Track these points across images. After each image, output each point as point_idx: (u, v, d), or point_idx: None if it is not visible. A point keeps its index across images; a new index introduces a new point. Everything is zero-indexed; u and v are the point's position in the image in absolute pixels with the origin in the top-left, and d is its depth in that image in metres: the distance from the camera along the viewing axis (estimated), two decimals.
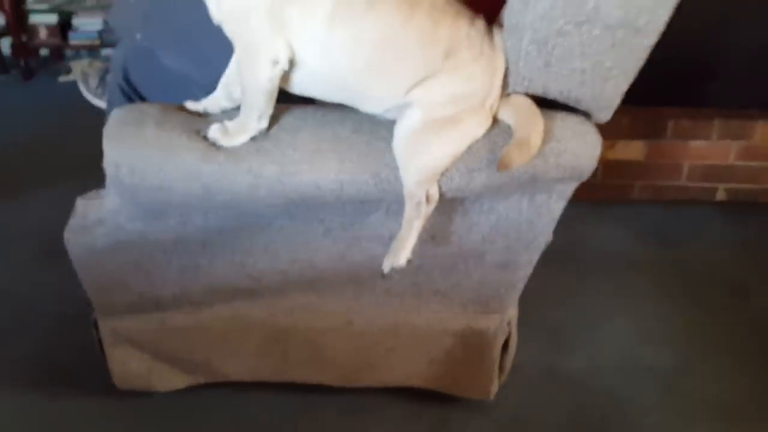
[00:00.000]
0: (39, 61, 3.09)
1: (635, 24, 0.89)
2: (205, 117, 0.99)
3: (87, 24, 2.95)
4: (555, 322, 1.61)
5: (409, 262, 1.00)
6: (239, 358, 1.27)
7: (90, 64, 2.43)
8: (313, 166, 0.94)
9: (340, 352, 1.26)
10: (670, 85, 1.99)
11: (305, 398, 1.36)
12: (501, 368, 1.31)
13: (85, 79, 2.33)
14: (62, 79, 2.95)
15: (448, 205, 1.05)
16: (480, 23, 0.94)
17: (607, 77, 0.94)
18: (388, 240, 1.05)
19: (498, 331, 1.23)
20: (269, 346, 1.25)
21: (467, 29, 0.91)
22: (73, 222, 1.08)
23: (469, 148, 0.95)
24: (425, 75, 0.91)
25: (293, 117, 0.97)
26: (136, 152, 0.92)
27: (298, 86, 0.95)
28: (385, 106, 0.95)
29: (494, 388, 1.32)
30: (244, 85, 0.93)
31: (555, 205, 1.07)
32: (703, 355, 1.54)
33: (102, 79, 2.26)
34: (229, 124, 0.94)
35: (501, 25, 0.94)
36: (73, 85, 2.87)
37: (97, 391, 1.34)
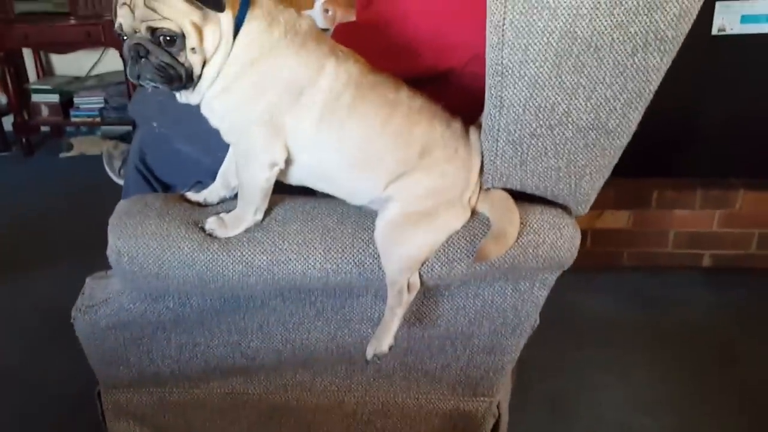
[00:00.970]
0: (40, 137, 3.20)
1: (606, 126, 0.94)
2: (204, 207, 1.06)
3: (88, 102, 3.05)
4: (551, 391, 1.62)
5: (391, 348, 1.03)
6: None
7: (115, 146, 2.55)
8: (301, 256, 0.99)
9: (333, 431, 1.28)
10: (654, 156, 2.06)
11: None
12: None
13: (109, 160, 2.46)
14: (63, 155, 3.04)
15: (435, 290, 1.09)
16: (456, 125, 1.01)
17: (582, 174, 0.99)
18: (377, 322, 1.09)
19: (487, 414, 1.24)
20: (264, 422, 1.28)
21: (442, 130, 0.99)
22: (81, 301, 1.15)
23: (449, 239, 1.00)
24: (402, 171, 0.97)
25: (284, 209, 1.04)
26: (137, 242, 0.99)
27: (291, 178, 1.02)
28: (367, 199, 1.01)
29: None
30: (243, 184, 1.00)
31: (538, 292, 1.10)
32: (695, 422, 1.54)
33: (125, 161, 2.40)
34: (225, 216, 1.01)
35: (479, 126, 1.00)
36: (74, 161, 3.00)
37: None
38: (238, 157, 1.00)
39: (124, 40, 0.90)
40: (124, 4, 0.87)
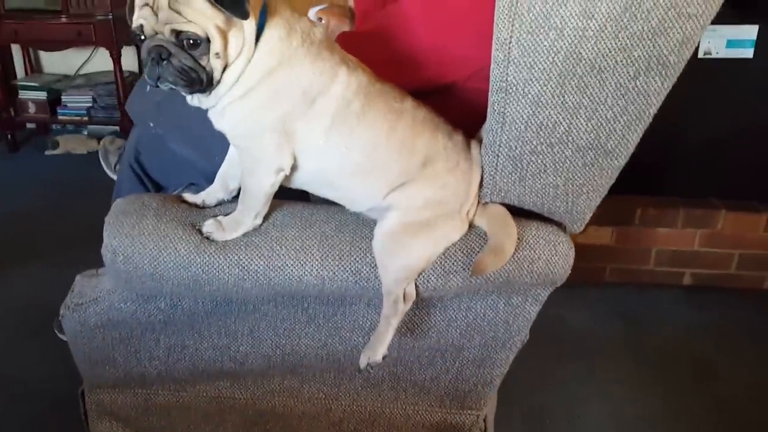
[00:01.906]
0: (26, 134, 3.16)
1: (605, 147, 0.96)
2: (202, 209, 1.06)
3: (76, 101, 3.03)
4: (533, 406, 1.63)
5: (385, 357, 1.03)
6: None
7: (111, 141, 2.53)
8: (298, 262, 0.99)
9: None
10: (638, 174, 2.08)
11: None
12: None
13: (105, 154, 2.44)
14: (48, 152, 3.01)
15: (428, 301, 1.09)
16: (458, 137, 1.02)
17: (579, 193, 1.00)
18: (369, 331, 1.10)
19: (474, 428, 1.25)
20: (249, 428, 1.27)
21: (444, 142, 0.99)
22: (70, 299, 1.14)
23: (446, 251, 1.00)
24: (404, 180, 0.98)
25: (282, 214, 1.04)
26: (133, 241, 0.98)
27: (293, 183, 1.02)
28: (367, 206, 1.02)
29: None
30: (247, 189, 1.00)
31: (530, 308, 1.11)
32: None
33: (120, 157, 2.37)
34: (224, 219, 1.01)
35: (480, 140, 1.01)
36: (59, 159, 2.96)
37: None
38: (245, 162, 0.99)
39: (141, 40, 0.88)
40: (146, 5, 0.86)
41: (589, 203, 1.03)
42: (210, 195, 1.08)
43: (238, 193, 1.04)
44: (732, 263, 2.14)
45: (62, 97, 3.05)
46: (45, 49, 3.16)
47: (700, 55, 1.93)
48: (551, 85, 0.89)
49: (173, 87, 0.89)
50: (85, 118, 3.04)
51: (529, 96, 0.90)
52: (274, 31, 0.90)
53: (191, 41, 0.86)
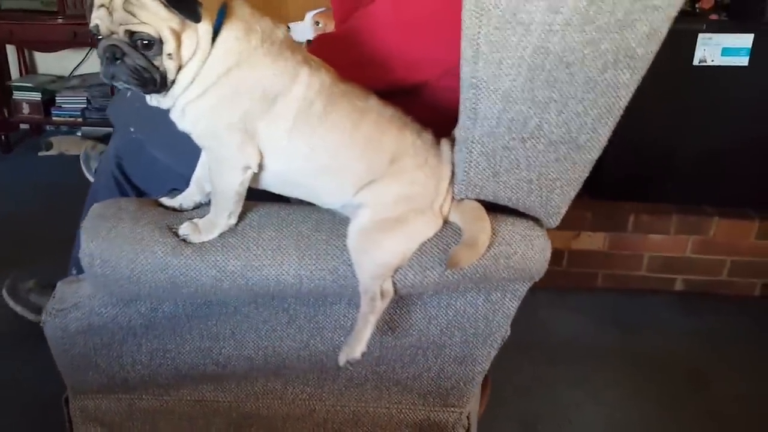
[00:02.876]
0: (19, 135, 3.16)
1: (577, 141, 0.96)
2: (179, 213, 1.06)
3: (70, 102, 3.03)
4: (525, 411, 1.63)
5: (363, 354, 1.04)
6: None
7: (93, 146, 2.53)
8: (275, 262, 1.00)
9: None
10: (632, 181, 2.12)
11: None
12: None
13: (87, 160, 2.44)
14: (42, 154, 3.01)
15: (408, 299, 1.10)
16: (427, 136, 1.03)
17: (553, 187, 1.01)
18: (351, 330, 1.09)
19: (457, 425, 1.25)
20: (233, 431, 1.27)
21: (413, 140, 1.01)
22: (51, 304, 1.14)
23: (422, 247, 1.01)
24: (372, 178, 0.99)
25: (259, 215, 1.04)
26: (110, 245, 0.98)
27: (261, 183, 1.03)
28: (337, 204, 1.03)
29: None
30: (216, 189, 1.00)
31: (509, 303, 1.11)
32: None
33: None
34: (199, 221, 1.01)
35: (453, 138, 1.02)
36: (53, 160, 2.95)
37: None
38: (211, 162, 1.00)
39: (99, 39, 0.90)
40: (102, 5, 0.87)
41: (563, 197, 1.03)
42: (187, 198, 1.08)
43: None
44: (724, 270, 2.15)
45: (56, 98, 3.06)
46: (40, 50, 3.17)
47: (696, 62, 1.96)
48: (521, 80, 0.90)
49: (127, 86, 0.90)
50: (80, 120, 3.05)
51: (499, 92, 0.91)
52: (231, 31, 0.92)
53: (144, 42, 0.87)
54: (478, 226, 1.00)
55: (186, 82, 0.92)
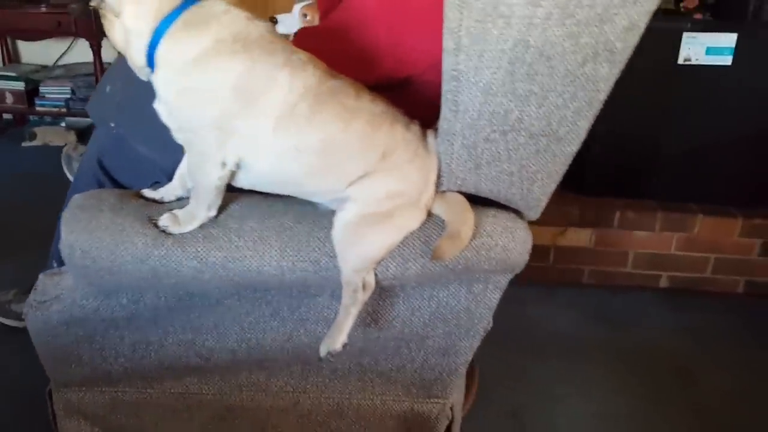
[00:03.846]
0: (2, 125, 3.14)
1: (557, 133, 0.97)
2: (160, 204, 1.06)
3: (54, 92, 3.00)
4: (512, 404, 1.64)
5: (345, 346, 1.04)
6: None
7: (75, 147, 2.51)
8: (257, 253, 1.00)
9: None
10: (618, 178, 2.14)
11: None
12: None
13: (68, 161, 2.42)
14: (26, 144, 2.98)
15: (391, 291, 1.10)
16: (415, 128, 1.02)
17: (534, 180, 1.02)
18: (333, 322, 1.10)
19: (441, 416, 1.25)
20: (217, 423, 1.27)
21: (403, 133, 1.00)
22: (33, 297, 1.13)
23: (404, 239, 1.01)
24: (363, 174, 0.98)
25: (241, 206, 1.04)
26: (90, 236, 0.98)
27: (245, 183, 1.02)
28: (326, 200, 1.03)
29: None
30: (196, 183, 1.00)
31: (491, 295, 1.12)
32: None
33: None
34: (179, 212, 1.01)
35: (436, 130, 1.02)
36: (37, 151, 2.91)
37: None
38: (191, 156, 1.00)
39: None
40: None
41: (543, 189, 1.04)
42: (169, 192, 1.08)
43: None
44: (708, 267, 2.18)
45: (40, 87, 3.02)
46: (24, 39, 3.14)
47: (680, 61, 1.98)
48: (501, 73, 0.90)
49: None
50: (64, 110, 3.01)
51: (480, 84, 0.91)
52: (184, 25, 0.92)
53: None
54: (462, 219, 1.00)
55: (138, 62, 0.96)
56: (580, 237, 2.14)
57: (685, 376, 1.79)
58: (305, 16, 1.78)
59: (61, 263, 1.11)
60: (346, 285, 1.01)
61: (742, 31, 1.95)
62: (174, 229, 0.99)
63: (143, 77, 1.00)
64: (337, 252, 0.99)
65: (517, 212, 1.08)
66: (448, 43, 0.90)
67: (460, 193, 1.04)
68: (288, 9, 1.81)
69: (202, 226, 1.00)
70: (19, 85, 2.99)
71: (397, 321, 1.15)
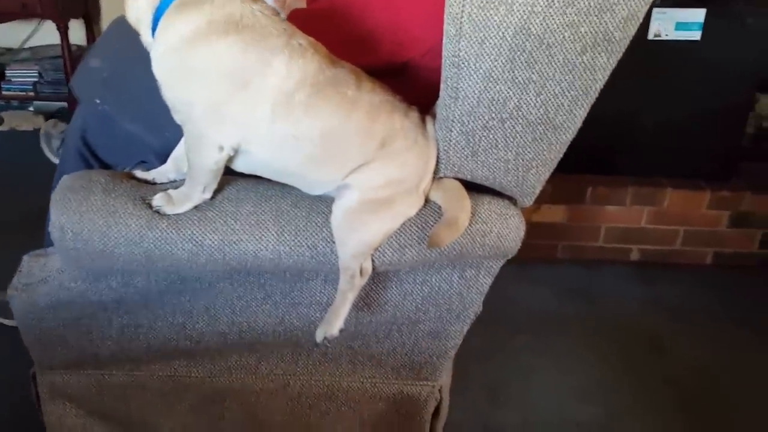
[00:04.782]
0: None
1: (554, 121, 0.98)
2: (152, 185, 1.04)
3: (21, 75, 2.93)
4: (489, 379, 1.68)
5: (341, 331, 1.05)
6: (175, 417, 1.28)
7: (54, 124, 2.44)
8: (253, 237, 0.99)
9: (276, 415, 1.28)
10: (590, 154, 2.16)
11: None
12: None
13: (47, 139, 2.35)
14: None
15: (384, 276, 1.11)
16: (414, 114, 1.02)
17: (529, 167, 1.03)
18: (326, 306, 1.10)
19: (429, 398, 1.27)
20: (205, 406, 1.26)
21: (401, 121, 1.00)
22: (18, 279, 1.11)
23: (402, 225, 1.02)
24: (362, 163, 0.98)
25: (238, 189, 1.03)
26: (82, 217, 0.96)
27: (243, 168, 1.01)
28: (324, 190, 1.02)
29: None
30: (192, 165, 0.98)
31: (483, 280, 1.14)
32: (626, 410, 1.64)
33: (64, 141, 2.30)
34: (173, 192, 0.99)
35: (434, 116, 1.02)
36: (4, 136, 2.84)
37: None
38: (188, 138, 0.98)
39: None
40: None
41: (538, 177, 1.05)
42: (161, 174, 1.06)
43: None
44: (677, 239, 2.23)
45: (6, 71, 2.93)
46: None
47: (650, 36, 1.99)
48: (502, 61, 0.90)
49: None
50: (31, 94, 2.93)
51: (481, 71, 0.92)
52: (184, 6, 0.91)
53: None
54: (459, 206, 1.01)
55: (146, 39, 0.96)
56: (553, 213, 2.17)
57: (656, 347, 1.86)
58: None
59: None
60: (344, 270, 1.01)
61: (711, 7, 1.97)
62: (167, 209, 0.98)
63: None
64: (335, 238, 0.99)
65: (511, 199, 1.09)
66: (449, 29, 0.89)
67: (457, 179, 1.04)
68: None
69: (197, 209, 0.99)
70: None
71: (390, 305, 1.15)
